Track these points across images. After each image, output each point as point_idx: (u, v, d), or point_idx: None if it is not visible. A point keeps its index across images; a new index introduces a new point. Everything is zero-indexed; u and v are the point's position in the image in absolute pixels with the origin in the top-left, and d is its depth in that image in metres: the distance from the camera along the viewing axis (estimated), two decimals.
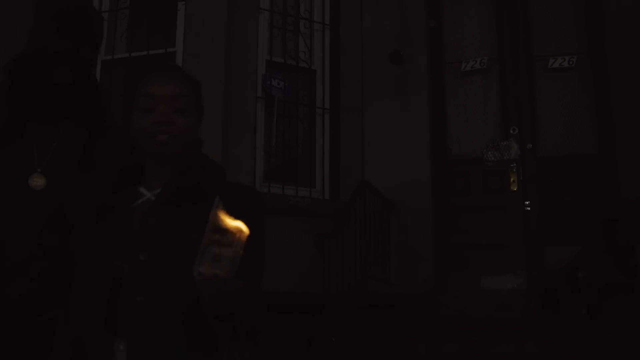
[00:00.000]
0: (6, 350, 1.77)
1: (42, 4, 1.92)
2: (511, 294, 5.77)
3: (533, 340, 4.50)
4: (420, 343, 4.44)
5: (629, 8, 5.96)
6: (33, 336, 1.77)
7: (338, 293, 5.02)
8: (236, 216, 1.53)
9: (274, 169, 6.24)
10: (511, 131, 6.29)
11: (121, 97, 6.28)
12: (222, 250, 1.48)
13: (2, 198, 1.84)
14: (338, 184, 6.27)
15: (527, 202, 6.15)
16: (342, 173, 6.30)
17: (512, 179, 6.19)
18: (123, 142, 1.92)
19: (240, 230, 1.50)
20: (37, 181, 1.86)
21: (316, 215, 5.83)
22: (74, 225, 1.76)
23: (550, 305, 4.95)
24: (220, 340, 1.69)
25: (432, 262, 6.01)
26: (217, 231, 1.50)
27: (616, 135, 6.00)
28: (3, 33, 5.74)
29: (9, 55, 1.92)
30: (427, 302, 4.86)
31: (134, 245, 1.69)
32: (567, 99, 6.33)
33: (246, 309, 1.60)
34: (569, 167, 6.15)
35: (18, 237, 1.82)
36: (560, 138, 6.28)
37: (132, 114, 1.79)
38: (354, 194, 5.65)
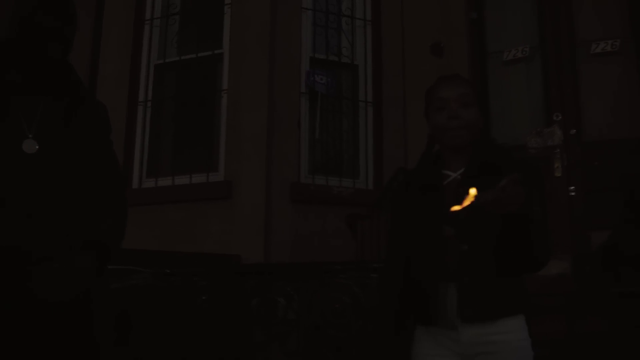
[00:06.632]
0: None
1: None
2: (556, 279, 5.73)
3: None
4: None
5: None
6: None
7: None
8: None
9: (319, 162, 6.41)
10: (554, 117, 6.27)
11: (172, 99, 6.61)
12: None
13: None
14: (382, 175, 6.40)
15: (571, 188, 6.10)
16: (385, 164, 6.42)
17: (556, 165, 6.15)
18: (98, 109, 2.29)
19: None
20: (31, 146, 2.07)
21: (359, 204, 5.98)
22: None
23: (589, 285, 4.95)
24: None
25: None
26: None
27: None
28: None
29: None
30: None
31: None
32: (612, 84, 6.25)
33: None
34: (614, 151, 6.05)
35: (18, 196, 2.02)
36: (605, 123, 6.20)
37: (428, 115, 2.41)
38: (390, 179, 5.79)
